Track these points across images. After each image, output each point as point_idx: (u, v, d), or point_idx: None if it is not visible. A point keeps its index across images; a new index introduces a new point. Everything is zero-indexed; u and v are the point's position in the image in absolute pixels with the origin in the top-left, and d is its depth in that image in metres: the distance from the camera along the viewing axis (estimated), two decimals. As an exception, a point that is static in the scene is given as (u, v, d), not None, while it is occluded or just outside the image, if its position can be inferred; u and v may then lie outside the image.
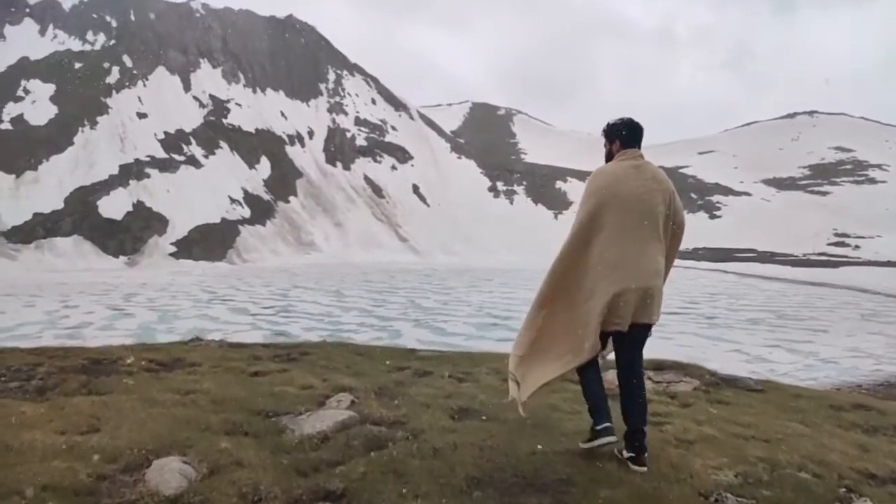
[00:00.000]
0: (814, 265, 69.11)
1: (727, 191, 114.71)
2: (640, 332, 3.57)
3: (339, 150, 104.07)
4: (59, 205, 65.04)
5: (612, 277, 3.33)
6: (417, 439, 3.58)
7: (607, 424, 3.43)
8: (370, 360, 6.11)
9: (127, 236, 64.98)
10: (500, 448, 3.50)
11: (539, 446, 3.58)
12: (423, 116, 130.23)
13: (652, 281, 3.42)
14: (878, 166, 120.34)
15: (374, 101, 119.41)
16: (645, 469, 3.36)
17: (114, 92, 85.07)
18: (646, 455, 3.43)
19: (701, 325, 31.28)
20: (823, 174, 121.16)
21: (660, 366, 6.00)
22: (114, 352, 6.13)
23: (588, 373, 3.56)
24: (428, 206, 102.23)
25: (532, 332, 3.59)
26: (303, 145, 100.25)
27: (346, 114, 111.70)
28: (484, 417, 4.17)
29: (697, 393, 5.07)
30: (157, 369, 5.39)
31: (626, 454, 3.46)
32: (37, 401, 4.17)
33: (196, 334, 9.23)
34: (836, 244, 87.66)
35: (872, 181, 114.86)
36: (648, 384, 4.97)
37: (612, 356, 3.76)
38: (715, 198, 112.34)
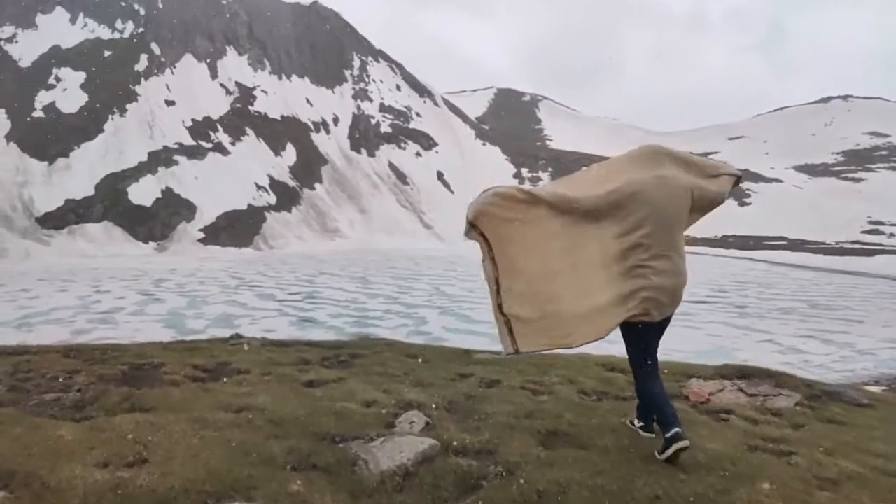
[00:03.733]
0: (847, 253, 67.45)
1: (757, 177, 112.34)
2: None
3: (363, 136, 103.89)
4: (91, 191, 65.85)
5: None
6: (514, 476, 3.09)
7: (678, 430, 3.53)
8: (427, 366, 5.61)
9: (156, 222, 65.63)
10: (615, 490, 2.99)
11: (661, 488, 3.07)
12: (447, 103, 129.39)
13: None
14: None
15: (398, 88, 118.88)
16: (653, 435, 3.72)
17: (142, 79, 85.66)
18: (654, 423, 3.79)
19: (731, 314, 30.47)
20: (858, 160, 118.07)
21: (744, 373, 5.30)
22: (153, 353, 5.70)
23: (658, 383, 3.70)
24: (452, 192, 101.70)
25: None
26: (328, 132, 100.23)
27: (370, 100, 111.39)
28: (579, 445, 3.67)
29: (803, 410, 4.50)
30: (203, 378, 4.94)
31: (636, 423, 3.89)
32: (75, 419, 3.74)
33: (235, 331, 8.83)
34: (871, 232, 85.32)
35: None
36: (742, 397, 4.53)
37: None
38: (744, 184, 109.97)
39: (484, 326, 26.28)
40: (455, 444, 3.51)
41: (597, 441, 3.69)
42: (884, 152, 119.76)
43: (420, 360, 5.75)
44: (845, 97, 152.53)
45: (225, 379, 4.87)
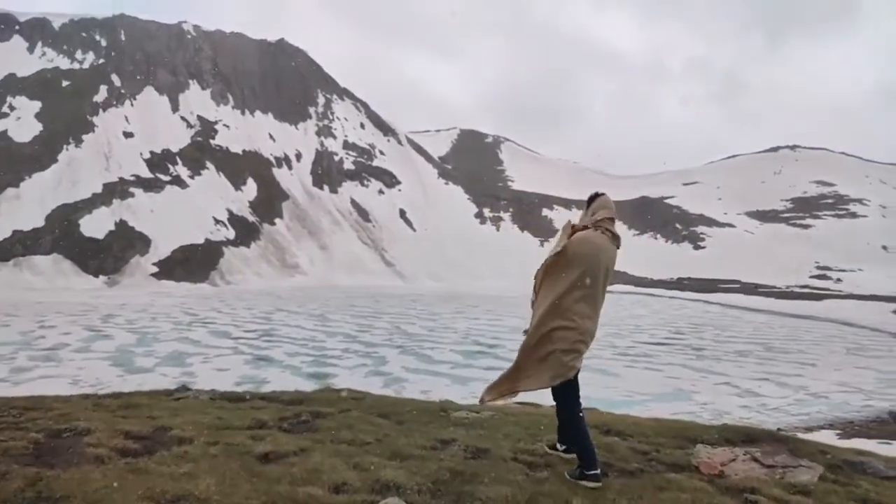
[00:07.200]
0: (797, 297, 69.37)
1: (711, 222, 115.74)
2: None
3: (326, 173, 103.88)
4: (40, 223, 63.85)
5: (584, 330, 3.97)
6: None
7: (598, 472, 3.87)
8: (401, 429, 4.99)
9: (108, 256, 63.81)
10: None
11: None
12: (411, 142, 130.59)
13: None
14: (859, 201, 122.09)
15: (362, 126, 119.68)
16: (574, 455, 4.03)
17: (101, 110, 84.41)
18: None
19: (688, 356, 31.01)
20: (805, 207, 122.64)
21: (750, 436, 4.87)
22: (80, 413, 4.92)
23: (582, 418, 4.04)
24: (414, 231, 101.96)
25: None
26: (290, 167, 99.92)
27: (334, 137, 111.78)
28: None
29: (831, 487, 4.09)
30: (135, 450, 4.10)
31: (560, 447, 4.29)
32: (-45, 520, 2.87)
33: (182, 382, 8.33)
34: (819, 276, 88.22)
35: (853, 215, 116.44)
36: (758, 468, 4.34)
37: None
38: (699, 229, 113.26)
39: (444, 367, 26.07)
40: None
41: (616, 539, 3.19)
42: (829, 200, 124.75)
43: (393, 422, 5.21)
44: (793, 147, 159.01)
45: (162, 452, 4.07)
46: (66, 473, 3.53)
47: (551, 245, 4.31)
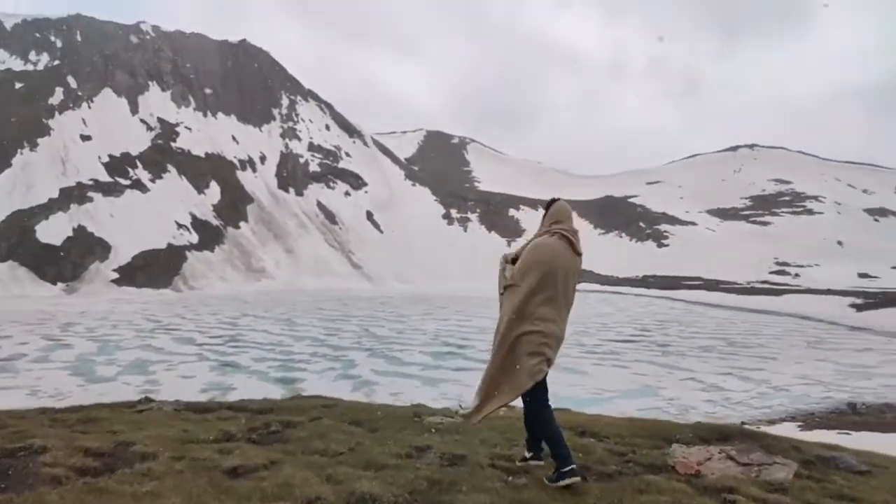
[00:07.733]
0: (758, 293, 70.99)
1: (674, 220, 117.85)
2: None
3: (291, 175, 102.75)
4: (-7, 229, 61.86)
5: (549, 333, 3.98)
6: None
7: (573, 467, 3.82)
8: (375, 437, 4.84)
9: (66, 262, 62.04)
10: None
11: None
12: (377, 143, 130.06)
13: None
14: (815, 198, 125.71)
15: (327, 127, 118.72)
16: (542, 462, 4.11)
17: (56, 113, 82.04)
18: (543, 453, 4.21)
19: (654, 352, 31.47)
20: (764, 205, 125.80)
21: (723, 434, 4.86)
22: (35, 431, 4.65)
23: (553, 417, 4.02)
24: (381, 232, 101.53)
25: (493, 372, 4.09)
26: (254, 170, 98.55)
27: (299, 139, 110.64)
28: None
29: (806, 483, 4.10)
30: (95, 468, 3.86)
31: (528, 455, 4.26)
32: None
33: (145, 394, 8.01)
34: (778, 272, 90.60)
35: (810, 212, 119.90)
36: (733, 467, 4.38)
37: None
38: (663, 227, 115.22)
39: (414, 368, 25.91)
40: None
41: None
42: (787, 198, 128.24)
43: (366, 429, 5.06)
44: (751, 146, 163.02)
45: (124, 469, 3.85)
46: (20, 497, 3.31)
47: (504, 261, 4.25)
